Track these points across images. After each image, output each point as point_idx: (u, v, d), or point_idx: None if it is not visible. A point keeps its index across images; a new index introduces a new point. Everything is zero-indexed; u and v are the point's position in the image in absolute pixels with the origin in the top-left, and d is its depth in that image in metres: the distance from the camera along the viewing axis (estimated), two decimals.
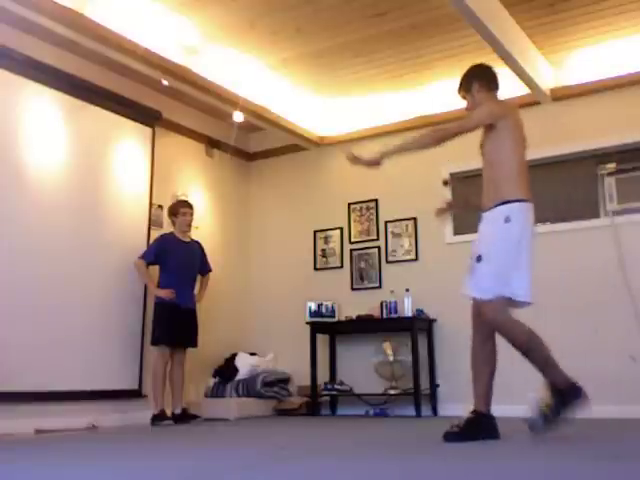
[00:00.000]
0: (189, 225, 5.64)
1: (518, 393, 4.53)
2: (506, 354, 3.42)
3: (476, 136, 6.58)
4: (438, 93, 6.12)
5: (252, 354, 6.40)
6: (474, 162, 5.98)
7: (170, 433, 4.59)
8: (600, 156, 5.60)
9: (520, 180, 3.41)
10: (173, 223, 5.65)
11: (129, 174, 5.69)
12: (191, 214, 5.65)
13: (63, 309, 4.97)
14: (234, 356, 6.29)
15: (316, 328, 6.16)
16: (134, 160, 5.76)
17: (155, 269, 5.53)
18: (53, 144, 5.08)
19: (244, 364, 6.15)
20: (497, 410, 3.35)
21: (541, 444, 3.05)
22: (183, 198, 5.93)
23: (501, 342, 3.37)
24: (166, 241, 5.53)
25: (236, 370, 6.13)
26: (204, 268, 5.78)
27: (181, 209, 5.62)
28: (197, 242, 5.78)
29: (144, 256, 5.45)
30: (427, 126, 6.25)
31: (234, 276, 6.76)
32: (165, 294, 5.33)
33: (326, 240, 6.69)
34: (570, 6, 4.85)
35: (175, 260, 5.46)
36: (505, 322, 3.32)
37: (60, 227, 5.06)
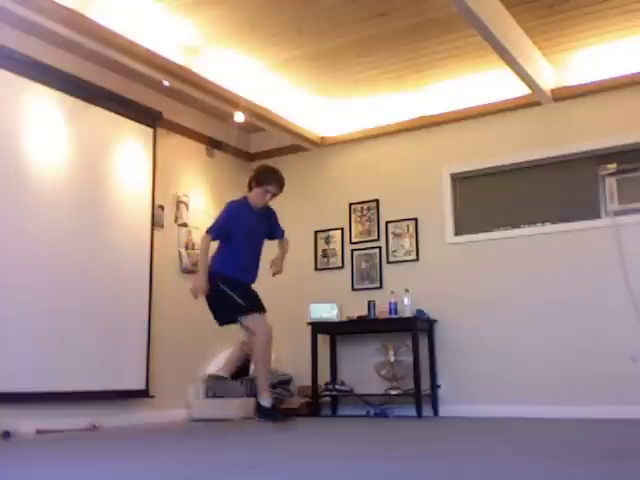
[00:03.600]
0: (265, 204, 4.63)
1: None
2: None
3: (476, 137, 6.54)
4: (439, 93, 6.12)
5: None
6: (475, 162, 6.07)
7: (170, 433, 4.59)
8: (601, 156, 5.59)
9: None
10: (250, 188, 4.56)
11: (130, 175, 5.69)
12: (274, 195, 4.61)
13: (66, 309, 4.96)
14: None
15: (317, 328, 6.16)
16: (135, 161, 5.76)
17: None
18: (54, 145, 5.08)
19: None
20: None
21: (541, 443, 3.04)
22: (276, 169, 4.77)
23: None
24: (236, 210, 4.53)
25: None
26: (276, 234, 4.77)
27: (269, 186, 4.52)
28: (269, 209, 4.74)
29: (210, 231, 4.47)
30: (427, 126, 6.29)
31: None
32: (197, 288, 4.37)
33: (327, 240, 6.68)
34: (571, 6, 4.85)
35: (243, 230, 4.47)
36: None
37: (61, 228, 5.06)
